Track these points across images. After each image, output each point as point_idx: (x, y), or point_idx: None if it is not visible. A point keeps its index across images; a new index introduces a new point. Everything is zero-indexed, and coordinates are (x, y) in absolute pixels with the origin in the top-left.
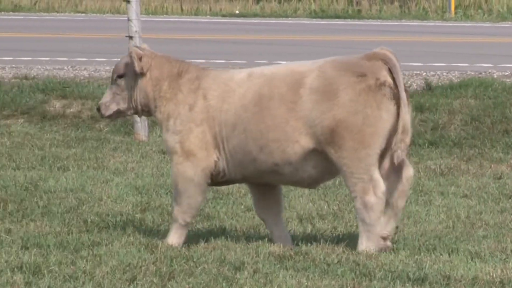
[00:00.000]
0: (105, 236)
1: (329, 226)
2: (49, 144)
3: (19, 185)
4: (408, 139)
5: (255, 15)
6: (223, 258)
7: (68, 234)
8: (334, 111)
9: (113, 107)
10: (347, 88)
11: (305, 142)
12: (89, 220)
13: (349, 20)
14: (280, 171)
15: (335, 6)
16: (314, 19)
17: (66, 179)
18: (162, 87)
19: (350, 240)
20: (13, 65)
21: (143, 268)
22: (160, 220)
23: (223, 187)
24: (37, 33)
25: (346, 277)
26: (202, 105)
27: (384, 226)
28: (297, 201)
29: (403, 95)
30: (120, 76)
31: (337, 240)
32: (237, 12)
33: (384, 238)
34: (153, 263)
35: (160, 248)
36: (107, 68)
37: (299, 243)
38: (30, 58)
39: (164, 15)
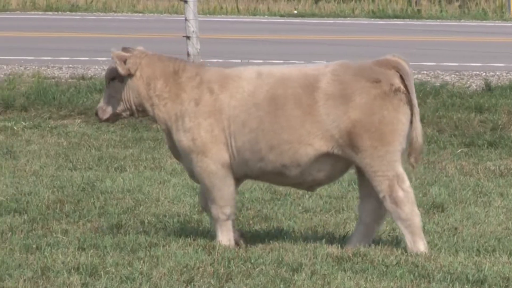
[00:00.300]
0: (162, 237)
1: (387, 227)
2: (106, 144)
3: (76, 185)
4: (420, 149)
5: (313, 15)
6: (280, 259)
7: (125, 235)
8: (349, 113)
9: (110, 110)
10: (362, 93)
11: (319, 146)
12: (146, 221)
13: (408, 20)
14: (286, 172)
15: (394, 6)
16: (372, 19)
17: (123, 179)
18: (157, 85)
19: None
20: (70, 65)
21: (200, 269)
22: None
23: (281, 188)
24: (94, 33)
25: (405, 279)
26: (209, 99)
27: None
28: (355, 202)
29: (415, 102)
30: (112, 79)
31: (395, 241)
32: (295, 12)
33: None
34: (210, 264)
35: (218, 249)
36: None
37: (357, 244)
38: (87, 58)
39: (222, 15)
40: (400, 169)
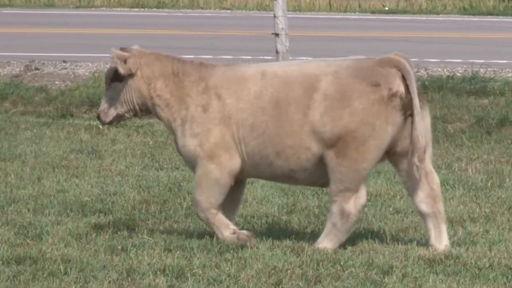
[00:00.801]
0: None
1: (480, 229)
2: None
3: (162, 185)
4: (423, 148)
5: (404, 12)
6: (370, 261)
7: (212, 236)
8: (346, 119)
9: (112, 112)
10: (361, 97)
11: (316, 149)
12: (233, 222)
13: (501, 17)
14: (295, 176)
15: (486, 2)
16: (464, 16)
17: None
18: (157, 85)
19: (503, 243)
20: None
21: (288, 271)
22: (307, 222)
23: (371, 188)
24: (180, 30)
25: (498, 281)
26: (217, 105)
27: (437, 238)
28: (447, 204)
29: (416, 102)
30: (113, 80)
31: (489, 243)
32: (387, 8)
33: None
34: (299, 267)
35: (307, 251)
36: None
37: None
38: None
39: (312, 12)
40: (363, 188)
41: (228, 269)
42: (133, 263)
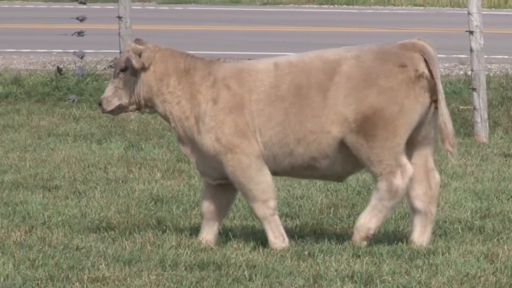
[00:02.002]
0: (442, 244)
1: None
2: None
3: (350, 189)
4: (452, 132)
5: None
6: None
7: (402, 242)
8: (372, 97)
9: (115, 102)
10: (388, 77)
11: (336, 132)
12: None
13: None
14: (316, 165)
15: None
16: None
17: None
18: (170, 82)
19: None
20: None
21: (482, 278)
22: (501, 227)
23: None
24: (370, 27)
25: None
26: (227, 95)
27: (421, 236)
28: None
29: (440, 88)
30: (122, 70)
31: None
32: None
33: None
34: (492, 274)
35: (501, 258)
36: (446, 65)
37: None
38: None
39: (508, 9)
40: (405, 161)
41: (418, 275)
42: (320, 269)
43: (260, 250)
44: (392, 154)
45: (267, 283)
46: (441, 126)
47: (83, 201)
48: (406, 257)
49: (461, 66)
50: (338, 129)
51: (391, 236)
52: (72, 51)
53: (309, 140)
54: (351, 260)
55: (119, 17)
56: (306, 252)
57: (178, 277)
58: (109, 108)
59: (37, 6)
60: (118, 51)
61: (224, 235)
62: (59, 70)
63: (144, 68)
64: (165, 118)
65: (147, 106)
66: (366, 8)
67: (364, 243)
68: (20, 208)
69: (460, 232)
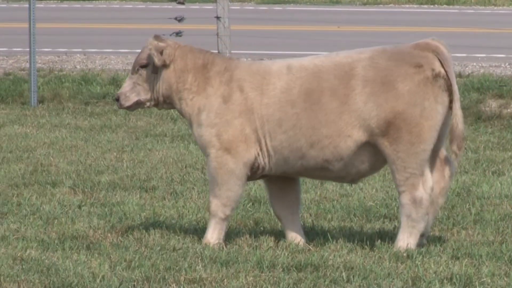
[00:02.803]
0: None
1: None
2: (483, 146)
3: (450, 190)
4: (462, 135)
5: None
6: None
7: (501, 243)
8: (392, 102)
9: (133, 98)
10: (405, 80)
11: (358, 136)
12: None
13: None
14: (329, 167)
15: None
16: None
17: (501, 184)
18: (187, 79)
19: None
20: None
21: None
22: None
23: None
24: (473, 28)
25: None
26: (239, 97)
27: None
28: None
29: (455, 88)
30: (142, 66)
31: None
32: None
33: (421, 235)
34: None
35: None
36: None
37: None
38: (464, 55)
39: None
40: (427, 170)
41: None
42: (419, 271)
43: (358, 252)
44: (417, 162)
45: (364, 285)
46: (453, 127)
47: (180, 202)
48: (506, 259)
49: None
50: (361, 133)
51: (490, 237)
52: None
53: (323, 144)
54: (450, 262)
55: (218, 17)
56: (404, 254)
57: (275, 279)
58: (127, 104)
59: (135, 6)
60: (216, 51)
61: (322, 237)
62: None
63: (165, 65)
64: (183, 115)
65: (165, 102)
66: (467, 8)
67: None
68: (117, 209)
69: None
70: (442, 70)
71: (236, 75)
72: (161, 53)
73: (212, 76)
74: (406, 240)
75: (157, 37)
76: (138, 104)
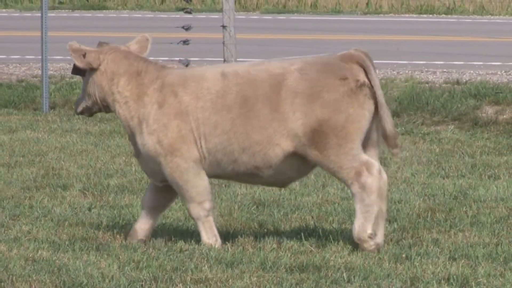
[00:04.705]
0: None
1: None
2: (480, 151)
3: (447, 193)
4: (393, 135)
5: None
6: None
7: (497, 245)
8: (318, 111)
9: (83, 104)
10: (331, 90)
11: (285, 145)
12: None
13: None
14: (259, 173)
15: None
16: None
17: (497, 187)
18: (120, 82)
19: None
20: (444, 70)
21: None
22: None
23: None
24: (470, 36)
25: None
26: (173, 101)
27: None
28: None
29: (379, 93)
30: (74, 73)
31: None
32: None
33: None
34: None
35: None
36: None
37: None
38: (462, 63)
39: None
40: (365, 157)
41: None
42: (417, 272)
43: (358, 253)
44: (349, 158)
45: (365, 285)
46: (383, 129)
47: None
48: (501, 260)
49: None
50: (288, 142)
51: (486, 239)
52: (177, 59)
53: (254, 150)
54: (447, 263)
55: (224, 26)
56: (403, 255)
57: (278, 279)
58: (79, 109)
59: (144, 15)
60: (222, 59)
61: (324, 238)
62: None
63: (93, 69)
64: (120, 118)
65: (104, 106)
66: (464, 17)
67: (373, 246)
68: (126, 211)
69: None
70: (366, 81)
71: (168, 81)
72: (84, 55)
73: (146, 84)
74: (362, 226)
75: (100, 44)
76: (88, 109)
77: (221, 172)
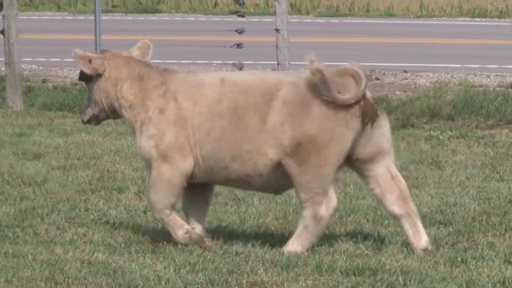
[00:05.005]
0: None
1: None
2: None
3: (502, 197)
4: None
5: None
6: None
7: None
8: (305, 125)
9: (89, 112)
10: (321, 105)
11: (272, 155)
12: None
13: None
14: (251, 181)
15: None
16: None
17: None
18: (123, 87)
19: None
20: (498, 73)
21: None
22: None
23: None
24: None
25: None
26: (174, 107)
27: (416, 236)
28: None
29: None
30: (80, 80)
31: None
32: None
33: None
34: None
35: None
36: None
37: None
38: None
39: None
40: (331, 191)
41: None
42: (473, 275)
43: (414, 257)
44: (322, 183)
45: None
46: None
47: (242, 207)
48: None
49: None
50: (275, 152)
51: None
52: (231, 62)
53: (244, 159)
54: (502, 266)
55: (277, 30)
56: (459, 259)
57: (334, 282)
58: (85, 118)
59: (197, 19)
60: (276, 62)
61: (379, 242)
62: None
63: (99, 75)
64: (128, 122)
65: (112, 112)
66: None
67: None
68: (181, 214)
69: None
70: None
71: (171, 87)
72: (90, 61)
73: (150, 90)
74: (295, 247)
75: (103, 51)
76: (95, 118)
77: (215, 179)
